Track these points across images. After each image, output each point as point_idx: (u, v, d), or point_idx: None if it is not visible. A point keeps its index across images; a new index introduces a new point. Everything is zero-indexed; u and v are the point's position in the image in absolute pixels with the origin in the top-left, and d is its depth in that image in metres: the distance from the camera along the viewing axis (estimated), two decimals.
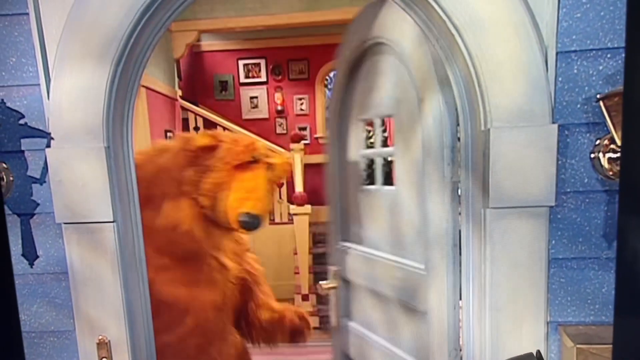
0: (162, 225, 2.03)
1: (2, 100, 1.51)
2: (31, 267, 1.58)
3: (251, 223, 2.00)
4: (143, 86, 4.96)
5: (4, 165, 1.51)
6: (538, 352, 1.31)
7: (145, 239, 1.71)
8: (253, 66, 8.30)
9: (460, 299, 1.73)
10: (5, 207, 1.52)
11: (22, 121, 1.52)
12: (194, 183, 2.07)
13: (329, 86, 8.39)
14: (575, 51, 1.42)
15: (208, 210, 2.08)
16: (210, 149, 2.07)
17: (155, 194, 2.05)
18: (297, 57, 8.14)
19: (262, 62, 8.26)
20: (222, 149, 2.07)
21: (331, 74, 8.24)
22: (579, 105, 1.44)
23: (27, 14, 1.48)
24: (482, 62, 1.43)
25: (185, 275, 2.04)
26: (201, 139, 2.09)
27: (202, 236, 2.09)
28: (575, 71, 1.43)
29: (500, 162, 1.44)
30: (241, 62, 8.27)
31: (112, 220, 1.53)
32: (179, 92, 6.57)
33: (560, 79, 1.44)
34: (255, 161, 2.09)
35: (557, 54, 1.43)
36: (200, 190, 2.06)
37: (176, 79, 6.49)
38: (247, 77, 8.31)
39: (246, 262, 2.50)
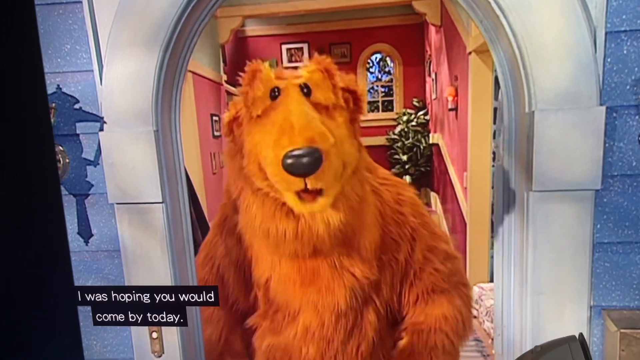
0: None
1: (58, 86, 1.58)
2: (86, 244, 1.66)
3: (301, 164, 1.27)
4: (190, 71, 5.05)
5: (61, 148, 1.59)
6: (581, 334, 1.30)
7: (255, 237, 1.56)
8: (296, 50, 8.32)
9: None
10: (62, 188, 1.61)
11: (76, 106, 1.59)
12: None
13: (371, 69, 8.34)
14: (625, 31, 1.39)
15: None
16: (237, 120, 1.56)
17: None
18: (339, 40, 8.10)
19: (305, 46, 8.27)
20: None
21: (373, 57, 8.19)
22: (628, 87, 1.40)
23: (80, 2, 1.54)
24: (527, 44, 1.40)
25: (300, 273, 1.59)
26: (226, 115, 1.58)
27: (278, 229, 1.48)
28: (625, 52, 1.39)
29: (544, 145, 1.42)
30: (284, 47, 8.31)
31: (160, 201, 1.59)
32: (224, 77, 6.65)
33: (609, 59, 1.40)
34: (277, 92, 1.45)
35: (606, 34, 1.39)
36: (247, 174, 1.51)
37: (221, 64, 6.57)
38: (290, 61, 8.34)
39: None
